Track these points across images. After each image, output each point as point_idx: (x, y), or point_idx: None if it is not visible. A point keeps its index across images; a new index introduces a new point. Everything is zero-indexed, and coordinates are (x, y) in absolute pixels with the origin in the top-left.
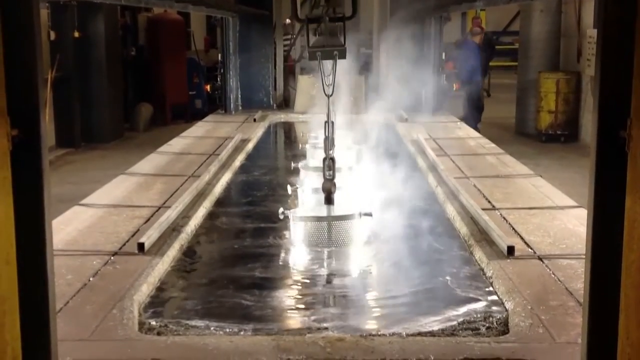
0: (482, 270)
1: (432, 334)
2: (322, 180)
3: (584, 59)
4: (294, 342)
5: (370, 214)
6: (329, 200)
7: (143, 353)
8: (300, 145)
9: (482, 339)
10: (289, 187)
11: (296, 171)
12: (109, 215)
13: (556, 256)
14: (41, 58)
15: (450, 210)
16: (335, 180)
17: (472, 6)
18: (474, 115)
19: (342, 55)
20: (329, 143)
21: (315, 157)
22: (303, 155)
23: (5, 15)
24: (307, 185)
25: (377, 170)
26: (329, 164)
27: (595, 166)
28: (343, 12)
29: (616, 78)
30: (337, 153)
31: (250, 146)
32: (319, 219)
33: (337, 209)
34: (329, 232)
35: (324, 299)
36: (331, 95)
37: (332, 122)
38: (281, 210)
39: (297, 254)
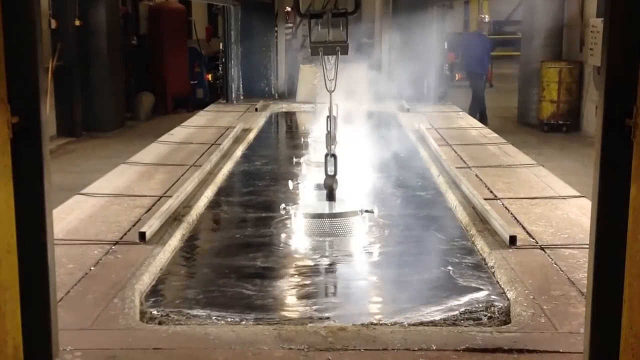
0: (484, 260)
1: (434, 323)
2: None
3: (587, 48)
4: (295, 332)
5: (372, 211)
6: (330, 197)
7: (144, 342)
8: (302, 139)
9: (484, 328)
10: (290, 183)
11: (298, 164)
12: (110, 204)
13: (558, 246)
14: (41, 46)
15: (452, 200)
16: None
17: None
18: (477, 107)
19: (345, 51)
20: (330, 138)
21: (317, 151)
22: (305, 146)
23: (5, 4)
24: (309, 180)
25: (379, 160)
26: (331, 160)
27: (600, 155)
28: (345, 6)
29: (622, 66)
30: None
31: (251, 136)
32: (320, 215)
33: (339, 206)
34: (330, 229)
35: (325, 289)
36: (333, 90)
37: (335, 117)
38: (282, 205)
39: (298, 244)
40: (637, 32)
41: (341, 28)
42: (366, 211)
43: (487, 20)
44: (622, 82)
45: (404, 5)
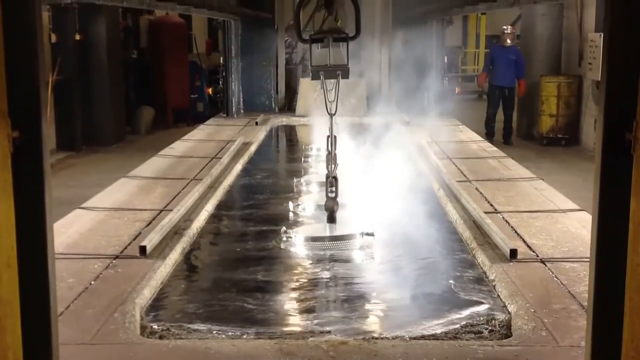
0: (485, 273)
1: (435, 337)
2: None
3: (586, 62)
4: (296, 346)
5: (372, 234)
6: (331, 219)
7: (145, 357)
8: (302, 158)
9: (485, 342)
10: (290, 204)
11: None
12: (110, 218)
13: (559, 259)
14: (42, 60)
15: (453, 213)
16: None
17: (474, 9)
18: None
19: (346, 75)
20: (331, 160)
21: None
22: (305, 161)
23: (6, 17)
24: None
25: (378, 173)
26: (332, 182)
27: (600, 168)
28: (346, 30)
29: (622, 80)
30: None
31: (252, 149)
32: (320, 239)
33: (339, 228)
34: (330, 252)
35: (326, 303)
36: (334, 114)
37: (335, 137)
38: (283, 229)
39: (299, 258)
40: (637, 46)
41: (340, 47)
42: (366, 234)
43: (508, 31)
44: (622, 96)
45: (403, 20)
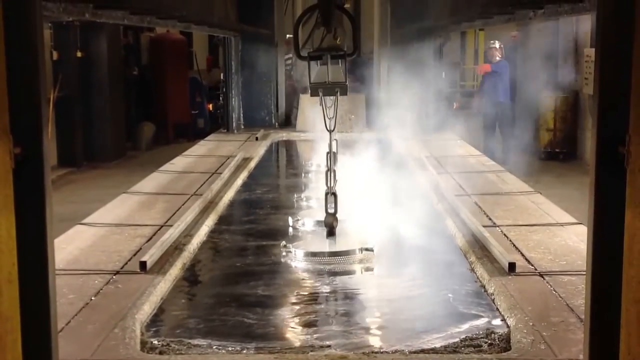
0: (484, 286)
1: (434, 351)
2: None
3: (582, 77)
4: None
5: (371, 249)
6: (331, 234)
7: None
8: (302, 174)
9: (485, 355)
10: (290, 219)
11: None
12: (110, 234)
13: (557, 272)
14: (44, 77)
15: (452, 227)
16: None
17: (471, 25)
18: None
19: (344, 92)
20: (331, 176)
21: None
22: (305, 176)
23: (8, 34)
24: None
25: (377, 187)
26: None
27: (594, 182)
28: (344, 45)
29: (615, 94)
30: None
31: (252, 164)
32: (319, 254)
33: (339, 243)
34: (330, 266)
35: (326, 317)
36: (333, 130)
37: (335, 153)
38: (283, 243)
39: (298, 272)
40: (628, 59)
41: (339, 64)
42: (365, 249)
43: (494, 46)
44: (615, 111)
45: (402, 36)
